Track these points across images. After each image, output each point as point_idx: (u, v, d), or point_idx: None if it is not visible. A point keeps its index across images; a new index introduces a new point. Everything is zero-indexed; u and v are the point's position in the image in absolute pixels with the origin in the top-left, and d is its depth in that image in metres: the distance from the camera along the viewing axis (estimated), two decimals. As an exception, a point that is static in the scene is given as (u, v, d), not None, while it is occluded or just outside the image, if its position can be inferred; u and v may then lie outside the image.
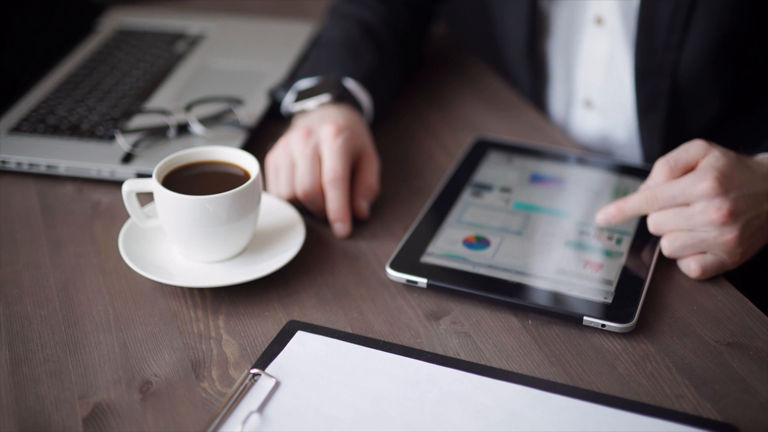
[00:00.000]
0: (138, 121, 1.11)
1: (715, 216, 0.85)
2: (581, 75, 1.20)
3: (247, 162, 0.90)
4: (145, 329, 0.84)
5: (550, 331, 0.84)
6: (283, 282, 0.90)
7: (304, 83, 1.09)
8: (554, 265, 0.89)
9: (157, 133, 1.08)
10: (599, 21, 1.15)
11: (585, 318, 0.83)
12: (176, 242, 0.89)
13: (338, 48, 1.14)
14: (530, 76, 1.24)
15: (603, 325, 0.82)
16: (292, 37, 1.35)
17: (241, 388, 0.76)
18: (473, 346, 0.82)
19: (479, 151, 1.08)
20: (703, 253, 0.88)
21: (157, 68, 1.26)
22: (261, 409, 0.74)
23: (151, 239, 0.92)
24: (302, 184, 0.95)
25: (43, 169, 1.04)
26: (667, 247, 0.89)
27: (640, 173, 1.02)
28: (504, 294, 0.85)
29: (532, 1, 1.16)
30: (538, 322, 0.85)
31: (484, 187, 1.01)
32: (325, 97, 1.04)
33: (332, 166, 0.95)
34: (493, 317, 0.85)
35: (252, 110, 1.14)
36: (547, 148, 1.09)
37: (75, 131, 1.10)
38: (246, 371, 0.78)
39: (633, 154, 1.20)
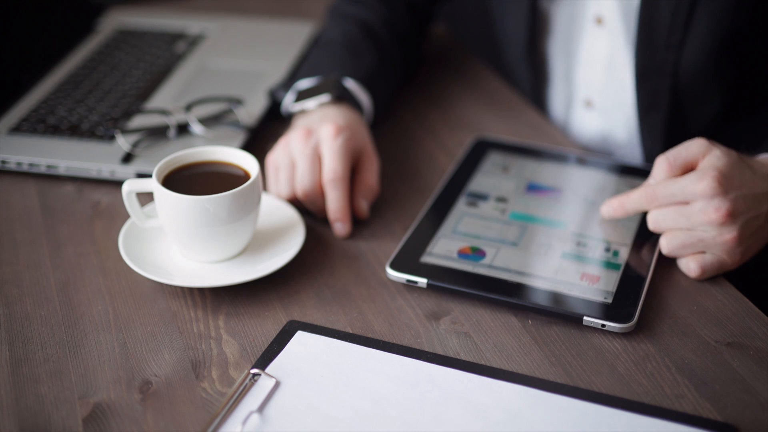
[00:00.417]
0: (138, 121, 1.11)
1: (714, 216, 0.85)
2: (581, 75, 1.20)
3: (247, 162, 0.90)
4: (145, 329, 0.84)
5: (550, 331, 0.84)
6: (283, 282, 0.90)
7: (304, 83, 1.09)
8: (552, 271, 0.89)
9: (157, 133, 1.08)
10: (599, 21, 1.15)
11: (585, 318, 0.83)
12: (176, 242, 0.89)
13: (338, 48, 1.14)
14: (530, 76, 1.24)
15: (603, 325, 0.82)
16: (292, 37, 1.35)
17: (241, 388, 0.76)
18: (473, 346, 0.82)
19: (479, 151, 1.08)
20: (703, 252, 0.88)
21: (157, 68, 1.26)
22: (261, 409, 0.74)
23: (151, 239, 0.92)
24: (302, 184, 0.95)
25: (43, 169, 1.04)
26: (665, 245, 0.89)
27: (641, 173, 1.02)
28: (504, 294, 0.85)
29: (532, 1, 1.16)
30: (538, 322, 0.85)
31: (479, 197, 0.99)
32: (325, 97, 1.04)
33: (332, 166, 0.95)
34: (493, 317, 0.85)
35: (252, 110, 1.14)
36: (547, 148, 1.09)
37: (75, 131, 1.10)
38: (246, 371, 0.78)
39: (633, 154, 1.20)
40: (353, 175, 0.99)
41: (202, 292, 0.88)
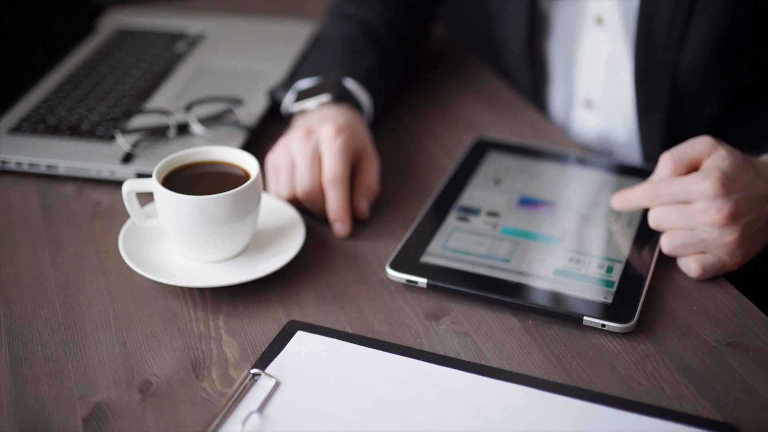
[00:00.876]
0: (138, 121, 1.11)
1: (716, 217, 0.85)
2: (581, 75, 1.20)
3: (247, 162, 0.90)
4: (145, 329, 0.84)
5: (550, 331, 0.84)
6: (283, 282, 0.90)
7: (304, 83, 1.09)
8: (551, 270, 0.89)
9: (157, 133, 1.08)
10: (599, 21, 1.15)
11: (585, 318, 0.83)
12: (176, 242, 0.89)
13: (338, 48, 1.14)
14: (530, 76, 1.24)
15: (603, 325, 0.82)
16: (292, 37, 1.35)
17: (241, 388, 0.76)
18: (473, 346, 0.82)
19: (479, 151, 1.08)
20: (704, 252, 0.88)
21: (157, 68, 1.26)
22: (261, 409, 0.74)
23: (151, 239, 0.92)
24: (302, 184, 0.95)
25: (43, 169, 1.04)
26: (666, 244, 0.89)
27: (641, 173, 1.02)
28: (504, 294, 0.85)
29: (532, 1, 1.16)
30: (538, 322, 0.85)
31: (470, 211, 0.97)
32: (325, 97, 1.04)
33: (332, 166, 0.95)
34: (493, 317, 0.85)
35: (252, 110, 1.14)
36: (547, 148, 1.09)
37: (75, 131, 1.10)
38: (246, 371, 0.78)
39: (633, 154, 1.20)
40: (353, 175, 0.99)
41: (202, 292, 0.88)
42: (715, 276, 0.89)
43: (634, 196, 0.91)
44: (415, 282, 0.87)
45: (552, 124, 1.19)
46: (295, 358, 0.80)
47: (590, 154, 1.09)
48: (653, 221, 0.90)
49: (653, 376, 0.78)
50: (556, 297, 0.85)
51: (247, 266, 0.89)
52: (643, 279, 0.87)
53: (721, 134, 1.01)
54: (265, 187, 1.00)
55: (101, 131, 1.10)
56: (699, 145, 0.89)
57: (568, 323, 0.84)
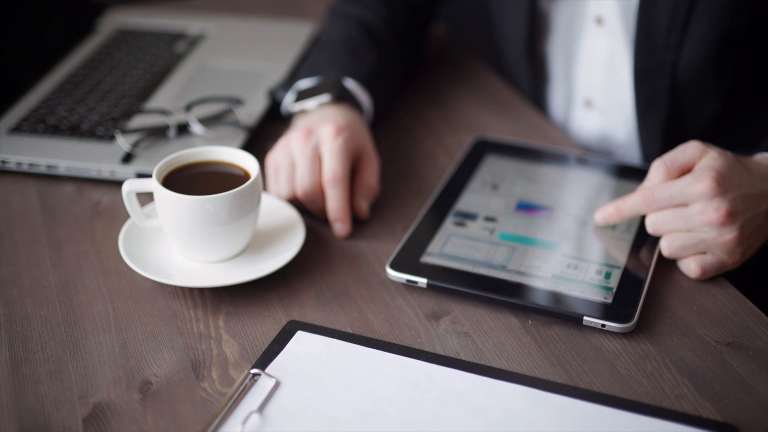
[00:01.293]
0: (138, 121, 1.11)
1: (714, 216, 0.85)
2: (581, 75, 1.20)
3: (247, 162, 0.90)
4: (145, 329, 0.84)
5: (550, 331, 0.84)
6: (283, 282, 0.90)
7: (304, 83, 1.09)
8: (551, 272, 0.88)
9: (157, 133, 1.08)
10: (599, 21, 1.15)
11: (585, 318, 0.83)
12: (176, 242, 0.89)
13: (338, 48, 1.14)
14: (530, 76, 1.24)
15: (603, 325, 0.82)
16: (292, 37, 1.35)
17: (241, 388, 0.76)
18: (473, 346, 0.82)
19: (479, 151, 1.08)
20: (703, 253, 0.88)
21: (157, 68, 1.26)
22: (261, 409, 0.74)
23: (151, 239, 0.91)
24: (302, 184, 0.95)
25: (43, 169, 1.04)
26: (666, 247, 0.89)
27: (640, 173, 1.02)
28: (504, 294, 0.85)
29: (532, 1, 1.16)
30: (538, 322, 0.85)
31: (467, 216, 0.96)
32: (325, 97, 1.04)
33: (332, 166, 0.95)
34: (493, 317, 0.85)
35: (252, 110, 1.14)
36: (547, 148, 1.09)
37: (75, 131, 1.10)
38: (246, 371, 0.78)
39: (633, 154, 1.20)
40: (353, 175, 0.99)
41: (202, 292, 0.88)
42: (715, 276, 0.89)
43: (626, 205, 0.91)
44: (415, 282, 0.87)
45: (552, 124, 1.19)
46: (295, 358, 0.80)
47: (590, 155, 1.09)
48: (651, 227, 0.90)
49: (653, 376, 0.78)
50: (556, 297, 0.85)
51: (247, 266, 0.89)
52: (643, 279, 0.87)
53: (719, 134, 1.01)
54: (265, 187, 1.00)
55: (101, 131, 1.10)
56: (689, 149, 0.89)
57: (568, 323, 0.84)
